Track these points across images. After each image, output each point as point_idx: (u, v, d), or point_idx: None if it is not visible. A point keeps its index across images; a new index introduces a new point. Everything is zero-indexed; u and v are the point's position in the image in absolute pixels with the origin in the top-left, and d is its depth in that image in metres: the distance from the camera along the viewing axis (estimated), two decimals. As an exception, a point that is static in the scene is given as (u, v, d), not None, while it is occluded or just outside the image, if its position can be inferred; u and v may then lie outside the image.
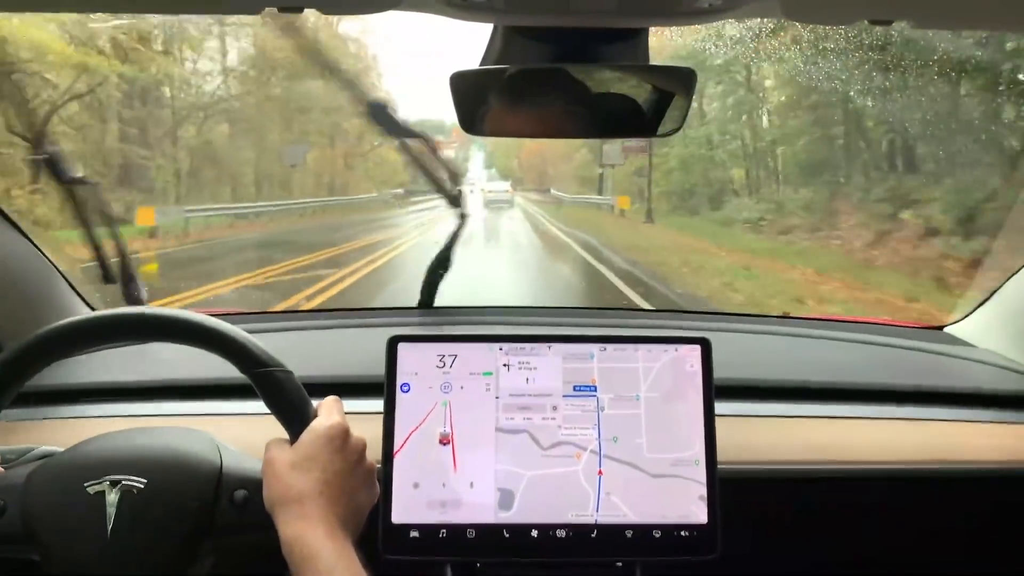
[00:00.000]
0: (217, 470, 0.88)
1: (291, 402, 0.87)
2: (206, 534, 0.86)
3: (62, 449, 0.92)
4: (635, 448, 0.99)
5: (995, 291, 1.51)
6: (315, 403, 0.89)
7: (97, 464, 0.86)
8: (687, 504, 0.98)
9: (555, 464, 0.98)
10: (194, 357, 0.90)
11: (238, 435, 0.97)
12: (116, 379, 1.27)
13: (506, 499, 0.97)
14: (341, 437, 0.85)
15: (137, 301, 1.47)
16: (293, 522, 0.80)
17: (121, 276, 1.46)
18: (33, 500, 0.85)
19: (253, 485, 0.86)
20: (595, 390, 1.00)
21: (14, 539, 0.84)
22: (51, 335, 0.87)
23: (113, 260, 1.46)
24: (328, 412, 0.88)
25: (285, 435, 0.87)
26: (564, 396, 1.00)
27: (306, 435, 0.85)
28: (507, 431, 0.99)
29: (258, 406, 0.88)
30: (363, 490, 0.87)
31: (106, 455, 0.87)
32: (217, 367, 0.89)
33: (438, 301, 1.58)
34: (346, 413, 0.89)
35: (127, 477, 0.85)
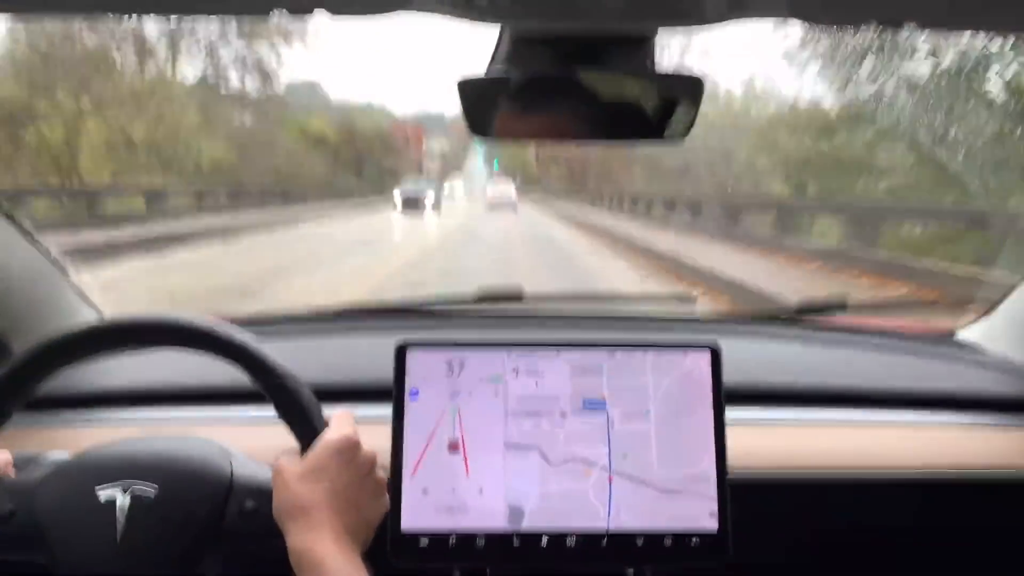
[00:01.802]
0: (228, 479, 0.89)
1: (303, 413, 0.87)
2: (213, 542, 0.86)
3: (73, 455, 0.92)
4: (645, 464, 0.98)
5: (1005, 295, 1.50)
6: (326, 413, 0.89)
7: (108, 470, 0.87)
8: (698, 518, 0.97)
9: (565, 481, 0.98)
10: (204, 362, 0.91)
11: (248, 441, 0.97)
12: (126, 384, 1.28)
13: (515, 516, 0.97)
14: (351, 449, 0.86)
15: None
16: (301, 533, 0.80)
17: None
18: (43, 504, 0.85)
19: (262, 495, 0.87)
20: (605, 405, 1.00)
21: (23, 543, 0.85)
22: (63, 340, 0.87)
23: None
24: (339, 424, 0.88)
25: (295, 443, 0.87)
26: (573, 412, 1.00)
27: (316, 446, 0.85)
28: (517, 447, 0.99)
29: (267, 412, 0.88)
30: (372, 502, 0.87)
31: (117, 461, 0.88)
32: (227, 372, 0.90)
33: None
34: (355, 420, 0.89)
35: (138, 483, 0.85)
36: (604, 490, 0.98)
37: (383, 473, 0.91)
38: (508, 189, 23.91)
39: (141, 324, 0.90)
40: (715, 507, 0.97)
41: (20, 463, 0.92)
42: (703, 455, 0.99)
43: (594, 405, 1.00)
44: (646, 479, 0.98)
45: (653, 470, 0.98)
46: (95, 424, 1.19)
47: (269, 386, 0.87)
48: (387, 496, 0.91)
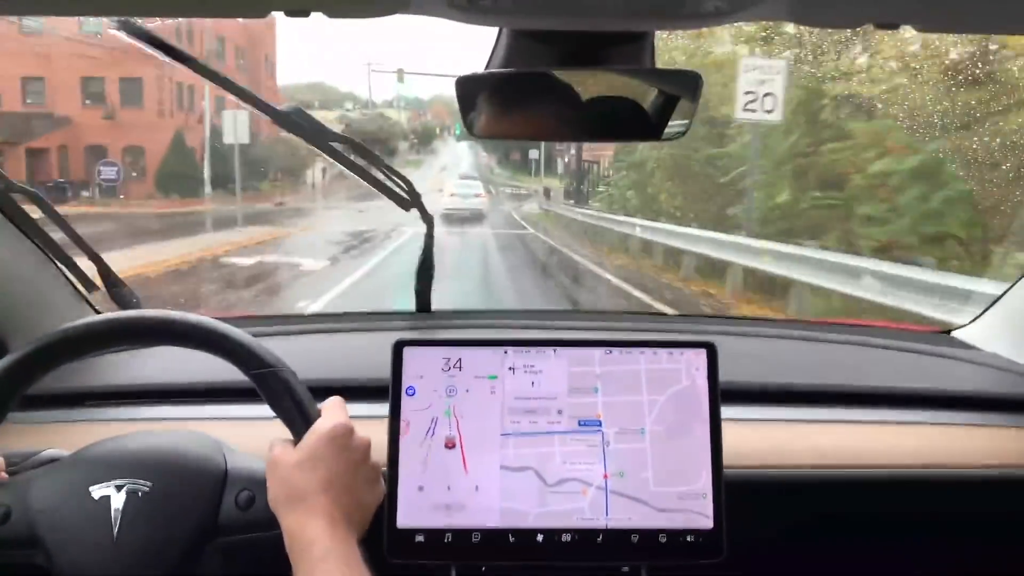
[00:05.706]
0: (222, 471, 0.88)
1: (294, 402, 0.87)
2: (211, 535, 0.86)
3: (67, 453, 0.92)
4: (641, 483, 0.98)
5: (1002, 295, 1.50)
6: (318, 404, 0.89)
7: (102, 467, 0.86)
8: (694, 519, 0.97)
9: (561, 501, 0.98)
10: (199, 359, 0.91)
11: (243, 439, 0.97)
12: (120, 382, 1.27)
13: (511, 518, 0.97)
14: (345, 436, 0.86)
15: (131, 305, 1.38)
16: (295, 515, 0.81)
17: (104, 281, 1.39)
18: (38, 504, 0.85)
19: (257, 485, 0.87)
20: (600, 424, 1.00)
21: (19, 544, 0.84)
22: (59, 338, 0.87)
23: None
24: (331, 411, 0.88)
25: (290, 436, 0.87)
26: (570, 432, 0.99)
27: (310, 435, 0.85)
28: (513, 469, 0.98)
29: (263, 410, 0.88)
30: (368, 488, 0.87)
31: (111, 458, 0.88)
32: (222, 369, 0.89)
33: (441, 305, 1.58)
34: (351, 417, 0.89)
35: (132, 480, 0.85)
36: (601, 508, 0.97)
37: (378, 462, 0.91)
38: (475, 188, 19.28)
39: (136, 322, 0.90)
40: (711, 524, 0.97)
41: (14, 461, 0.92)
42: (700, 471, 0.98)
43: (589, 424, 1.00)
44: (643, 498, 0.98)
45: (649, 489, 0.98)
46: (90, 422, 1.18)
47: (259, 376, 0.87)
48: (383, 482, 0.91)
